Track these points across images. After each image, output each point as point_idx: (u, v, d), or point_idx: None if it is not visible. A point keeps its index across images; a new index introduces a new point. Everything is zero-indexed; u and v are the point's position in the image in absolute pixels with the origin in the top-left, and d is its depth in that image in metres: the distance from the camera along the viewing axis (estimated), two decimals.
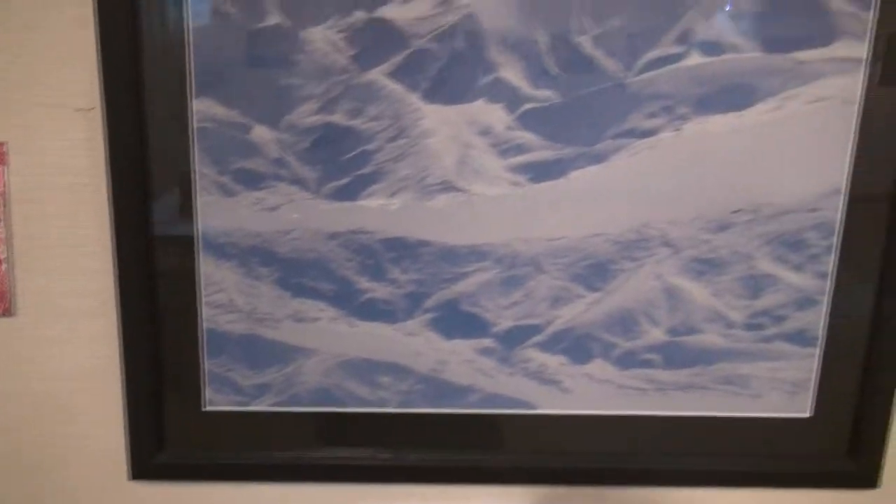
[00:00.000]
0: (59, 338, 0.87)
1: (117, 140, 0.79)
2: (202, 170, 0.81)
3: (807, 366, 0.88)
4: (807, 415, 0.90)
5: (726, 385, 0.89)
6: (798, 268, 0.85)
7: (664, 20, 0.77)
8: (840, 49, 0.78)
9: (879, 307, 0.86)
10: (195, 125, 0.79)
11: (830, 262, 0.85)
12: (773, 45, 0.78)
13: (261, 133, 0.80)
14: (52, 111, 0.80)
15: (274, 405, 0.88)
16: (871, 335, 0.87)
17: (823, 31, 0.78)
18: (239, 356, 0.87)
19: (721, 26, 0.77)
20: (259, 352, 0.87)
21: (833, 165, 0.82)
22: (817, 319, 0.87)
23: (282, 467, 0.89)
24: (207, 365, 0.87)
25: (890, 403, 0.89)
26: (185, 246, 0.83)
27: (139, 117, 0.79)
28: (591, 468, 0.90)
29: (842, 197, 0.83)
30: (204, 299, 0.84)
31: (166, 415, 0.88)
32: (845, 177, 0.82)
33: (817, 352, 0.88)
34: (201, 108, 0.79)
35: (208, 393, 0.88)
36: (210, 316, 0.85)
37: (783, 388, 0.89)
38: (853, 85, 0.79)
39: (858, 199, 0.83)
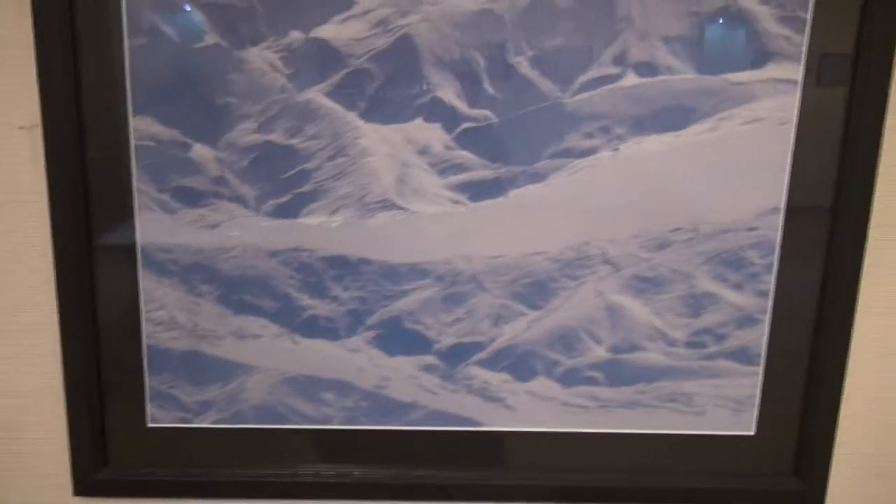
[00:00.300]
0: (2, 355, 0.87)
1: (57, 158, 0.79)
2: (142, 187, 0.81)
3: (750, 383, 0.88)
4: (751, 433, 0.90)
5: (670, 402, 0.89)
6: (738, 286, 0.85)
7: (599, 42, 0.78)
8: (773, 71, 0.79)
9: (820, 326, 0.86)
10: (134, 143, 0.80)
11: (770, 281, 0.85)
12: (707, 66, 0.79)
13: (200, 151, 0.80)
14: None
15: (217, 422, 0.88)
16: (813, 353, 0.87)
17: (757, 54, 0.79)
18: (182, 373, 0.87)
19: (656, 48, 0.78)
20: (202, 368, 0.87)
21: (771, 185, 0.82)
22: (759, 338, 0.87)
23: (225, 484, 0.89)
24: (150, 381, 0.87)
25: (835, 422, 0.89)
26: (127, 263, 0.83)
27: (79, 135, 0.79)
28: (536, 485, 0.90)
29: (780, 216, 0.83)
30: (145, 316, 0.85)
31: (109, 431, 0.88)
32: (783, 196, 0.83)
33: (760, 370, 0.88)
34: (140, 127, 0.79)
35: (151, 409, 0.88)
36: (152, 332, 0.85)
37: (727, 406, 0.89)
38: (788, 106, 0.80)
39: (797, 218, 0.83)
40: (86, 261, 0.82)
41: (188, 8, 0.76)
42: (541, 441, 0.90)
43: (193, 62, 0.78)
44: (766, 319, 0.86)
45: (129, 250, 0.83)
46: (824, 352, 0.86)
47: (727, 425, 0.90)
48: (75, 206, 0.81)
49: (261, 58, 0.78)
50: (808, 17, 0.78)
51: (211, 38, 0.77)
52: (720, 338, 0.87)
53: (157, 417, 0.88)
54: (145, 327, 0.85)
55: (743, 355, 0.87)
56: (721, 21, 0.78)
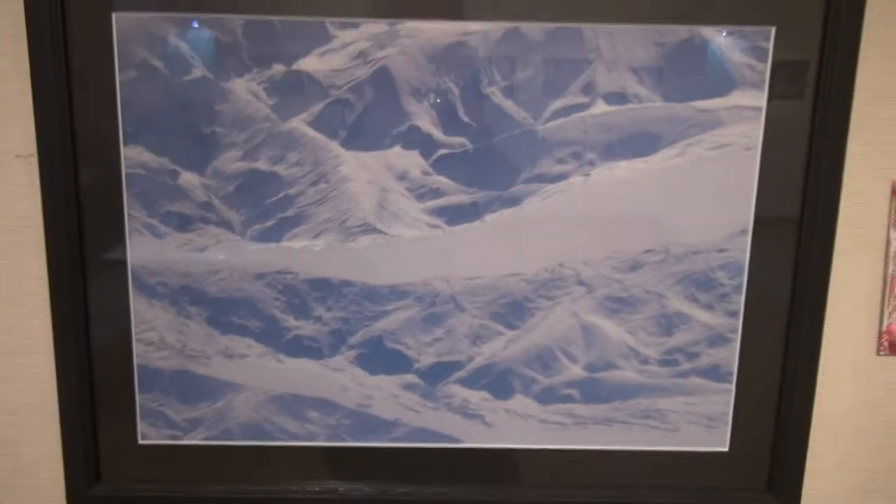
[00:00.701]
0: (0, 375, 0.90)
1: (52, 185, 0.83)
2: (133, 213, 0.85)
3: (722, 401, 0.91)
4: (725, 449, 0.92)
5: (644, 419, 0.91)
6: (709, 306, 0.88)
7: (570, 72, 0.81)
8: (738, 98, 0.82)
9: (789, 343, 0.88)
10: (125, 171, 0.83)
11: (740, 301, 0.88)
12: (674, 94, 0.82)
13: (188, 178, 0.84)
14: None
15: (206, 439, 0.91)
16: (783, 371, 0.89)
17: (721, 82, 0.82)
18: (171, 391, 0.90)
19: (624, 78, 0.81)
20: (191, 387, 0.90)
21: (738, 207, 0.85)
22: (730, 356, 0.89)
23: (214, 500, 0.92)
24: (141, 400, 0.90)
25: (806, 438, 0.91)
26: (118, 285, 0.87)
27: (73, 164, 0.83)
28: (515, 501, 0.92)
29: (748, 237, 0.86)
30: (136, 337, 0.88)
31: (102, 448, 0.91)
32: (751, 218, 0.85)
33: (732, 387, 0.90)
34: (131, 155, 0.83)
35: (142, 427, 0.91)
36: (142, 353, 0.88)
37: (700, 423, 0.91)
38: (753, 132, 0.83)
39: (764, 240, 0.86)
40: (79, 284, 0.86)
41: (196, 25, 0.79)
42: (519, 457, 0.92)
43: (181, 94, 0.82)
44: (737, 338, 0.89)
45: (121, 273, 0.86)
46: (794, 369, 0.89)
47: (701, 442, 0.92)
48: (69, 232, 0.84)
49: (245, 89, 0.82)
50: (770, 46, 0.81)
51: (198, 71, 0.81)
52: (692, 356, 0.89)
53: (148, 435, 0.91)
54: (136, 348, 0.88)
55: (715, 373, 0.90)
56: (686, 51, 0.81)
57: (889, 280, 0.89)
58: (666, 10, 0.80)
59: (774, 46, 0.81)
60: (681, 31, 0.80)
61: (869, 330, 0.91)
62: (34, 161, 0.84)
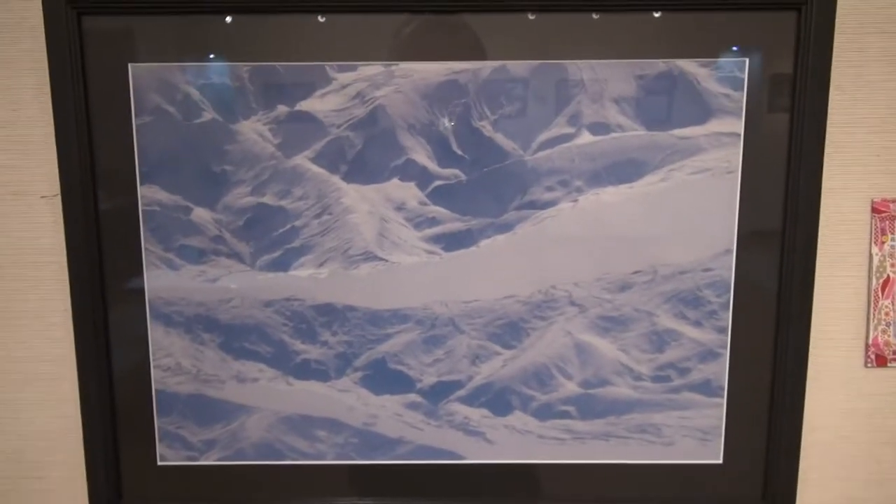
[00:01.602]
0: (27, 400, 0.96)
1: (74, 223, 0.89)
2: (149, 247, 0.90)
3: (715, 414, 0.94)
4: (719, 461, 0.95)
5: (640, 434, 0.95)
6: (698, 323, 0.92)
7: (555, 105, 0.86)
8: (716, 125, 0.86)
9: (778, 356, 0.91)
10: (142, 209, 0.89)
11: (728, 317, 0.91)
12: (655, 123, 0.86)
13: (200, 214, 0.90)
14: (19, 199, 0.91)
15: (221, 459, 0.96)
16: (773, 383, 0.92)
17: (700, 111, 0.86)
18: (188, 414, 0.95)
19: (607, 109, 0.86)
20: (206, 410, 0.95)
21: (721, 228, 0.89)
22: (721, 371, 0.93)
23: None
24: (159, 423, 0.95)
25: (798, 448, 0.94)
26: (137, 315, 0.92)
27: (93, 203, 0.89)
28: None
29: (733, 256, 0.90)
30: (154, 363, 0.93)
31: (123, 469, 0.96)
32: (734, 237, 0.89)
33: (724, 401, 0.93)
34: (147, 194, 0.89)
35: (161, 449, 0.96)
36: (160, 378, 0.94)
37: (694, 436, 0.95)
38: (732, 156, 0.87)
39: (748, 257, 0.90)
40: (100, 314, 0.91)
41: (205, 73, 0.85)
42: (520, 472, 0.96)
43: (193, 136, 0.87)
44: (727, 353, 0.92)
45: (139, 303, 0.92)
46: (783, 381, 0.92)
47: (695, 454, 0.95)
48: (91, 265, 0.90)
49: (252, 130, 0.87)
50: (745, 76, 0.85)
51: (207, 115, 0.87)
52: (684, 372, 0.93)
53: (167, 456, 0.96)
54: (154, 373, 0.94)
55: (706, 388, 0.93)
56: (665, 83, 0.85)
57: (873, 294, 0.92)
58: (644, 46, 0.84)
59: (749, 75, 0.85)
60: (659, 65, 0.85)
61: (855, 343, 0.94)
62: (58, 201, 0.90)
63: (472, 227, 0.89)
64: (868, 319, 0.93)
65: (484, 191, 0.88)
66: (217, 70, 0.86)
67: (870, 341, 0.93)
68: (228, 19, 0.85)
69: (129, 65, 0.86)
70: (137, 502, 0.97)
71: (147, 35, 0.86)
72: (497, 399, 0.94)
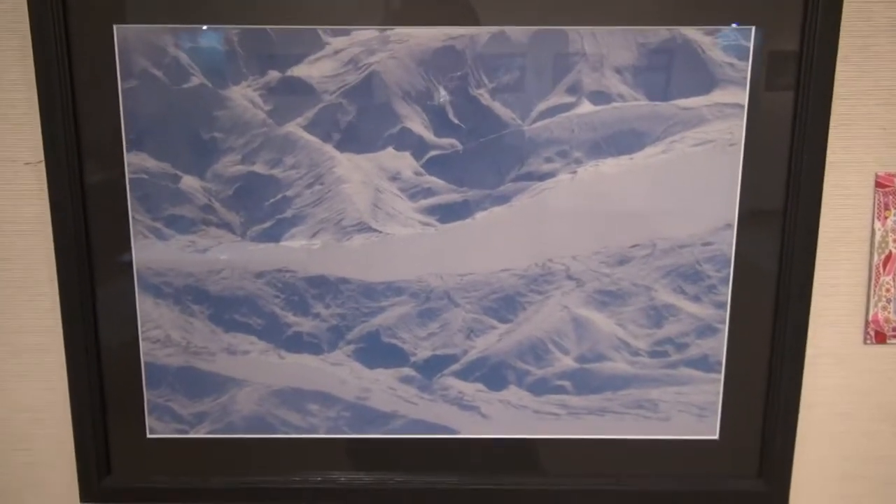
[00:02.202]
0: (13, 372, 0.94)
1: (59, 191, 0.86)
2: (137, 216, 0.88)
3: (712, 390, 0.93)
4: (715, 437, 0.94)
5: (636, 409, 0.94)
6: (696, 298, 0.90)
7: (555, 73, 0.84)
8: (720, 96, 0.84)
9: (776, 333, 0.90)
10: (129, 176, 0.87)
11: (727, 293, 0.90)
12: (657, 93, 0.84)
13: (189, 182, 0.87)
14: (3, 165, 0.88)
15: (211, 432, 0.95)
16: (771, 360, 0.91)
17: (703, 80, 0.84)
18: (178, 387, 0.93)
19: (608, 78, 0.84)
20: (196, 383, 0.93)
21: (723, 202, 0.87)
22: (719, 346, 0.92)
23: (219, 490, 0.95)
24: (148, 396, 0.93)
25: (794, 424, 0.93)
26: (125, 286, 0.90)
27: (79, 170, 0.86)
28: (510, 490, 0.95)
29: (733, 231, 0.88)
30: (143, 335, 0.91)
31: (112, 442, 0.95)
32: (735, 212, 0.88)
33: (721, 377, 0.92)
34: (134, 161, 0.86)
35: (150, 422, 0.94)
36: (149, 350, 0.92)
37: (691, 412, 0.94)
38: (735, 128, 0.85)
39: (749, 232, 0.88)
40: (87, 285, 0.89)
41: (193, 35, 0.82)
42: (515, 447, 0.95)
43: (181, 101, 0.85)
44: (725, 329, 0.91)
45: (127, 275, 0.90)
46: (781, 358, 0.91)
47: (692, 430, 0.94)
48: (77, 235, 0.88)
49: (242, 96, 0.85)
50: (751, 45, 0.83)
51: (196, 79, 0.84)
52: (681, 347, 0.92)
53: (156, 429, 0.95)
54: (143, 345, 0.92)
55: (704, 363, 0.92)
56: (668, 51, 0.83)
57: (874, 270, 0.91)
58: (648, 12, 0.82)
59: (755, 45, 0.83)
60: (662, 32, 0.82)
61: (855, 319, 0.93)
62: (42, 167, 0.87)
63: (469, 198, 0.87)
64: (868, 296, 0.92)
65: (481, 161, 0.86)
66: (206, 33, 0.83)
67: (870, 318, 0.92)
68: None
69: (115, 26, 0.83)
70: (127, 475, 0.95)
71: None
72: (492, 373, 0.93)
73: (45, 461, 0.97)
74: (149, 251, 0.89)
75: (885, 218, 0.90)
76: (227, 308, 0.91)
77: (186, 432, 0.95)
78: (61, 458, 0.96)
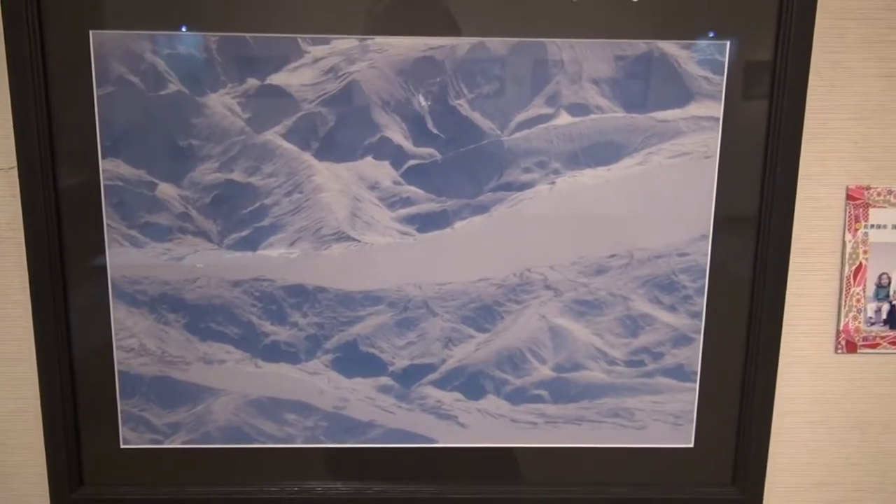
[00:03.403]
0: None
1: (32, 197, 0.85)
2: (112, 224, 0.87)
3: (687, 399, 0.94)
4: (690, 445, 0.95)
5: (613, 418, 0.94)
6: (672, 308, 0.91)
7: (534, 85, 0.84)
8: (696, 109, 0.85)
9: (750, 342, 0.92)
10: (104, 183, 0.86)
11: (702, 303, 0.91)
12: (635, 106, 0.85)
13: (165, 190, 0.86)
14: None
15: (186, 442, 0.94)
16: (745, 369, 0.93)
17: (679, 94, 0.85)
18: (152, 397, 0.92)
19: (586, 90, 0.84)
20: (171, 392, 0.92)
21: (698, 213, 0.88)
22: (694, 355, 0.93)
23: (194, 501, 0.94)
24: (122, 405, 0.92)
25: (768, 433, 0.94)
26: (99, 294, 0.89)
27: (52, 176, 0.85)
28: (488, 498, 0.95)
29: (708, 242, 0.89)
30: (117, 344, 0.90)
31: (84, 453, 0.93)
32: (710, 223, 0.89)
33: (696, 386, 0.93)
34: (109, 168, 0.85)
35: (124, 432, 0.93)
36: (123, 359, 0.91)
37: (666, 421, 0.95)
38: (711, 141, 0.86)
39: (723, 243, 0.89)
40: (60, 293, 0.88)
41: (171, 42, 0.82)
42: (493, 456, 0.95)
43: (158, 108, 0.84)
44: (700, 338, 0.92)
45: (101, 282, 0.88)
46: (755, 367, 0.92)
47: (667, 439, 0.95)
48: (50, 242, 0.86)
49: (220, 103, 0.84)
50: (726, 59, 0.84)
51: (173, 86, 0.84)
52: (657, 356, 0.92)
53: (130, 439, 0.93)
54: (117, 354, 0.91)
55: (679, 372, 0.93)
56: (645, 64, 0.84)
57: (845, 281, 0.93)
58: (625, 26, 0.83)
59: (730, 59, 0.84)
60: (640, 46, 0.83)
61: (827, 329, 0.94)
62: (15, 173, 0.86)
63: (448, 207, 0.88)
64: (840, 306, 0.93)
65: (460, 171, 0.87)
66: (184, 40, 0.82)
67: (841, 327, 0.94)
68: None
69: (91, 31, 0.82)
70: (99, 487, 0.94)
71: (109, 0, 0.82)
72: (470, 383, 0.93)
73: (14, 472, 0.95)
74: (124, 258, 0.88)
75: (856, 230, 0.91)
76: (203, 317, 0.90)
77: (161, 442, 0.94)
78: (32, 470, 0.94)
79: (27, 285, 0.88)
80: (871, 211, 0.91)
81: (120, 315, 0.90)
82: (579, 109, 0.85)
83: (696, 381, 0.93)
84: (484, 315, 0.91)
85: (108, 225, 0.87)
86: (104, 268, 0.88)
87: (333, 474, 0.95)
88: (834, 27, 0.86)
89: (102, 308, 0.89)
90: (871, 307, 0.93)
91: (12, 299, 0.90)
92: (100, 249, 0.88)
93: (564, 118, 0.85)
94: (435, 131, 0.85)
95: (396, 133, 0.85)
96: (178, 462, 0.94)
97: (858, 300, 0.93)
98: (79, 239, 0.87)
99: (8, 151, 0.86)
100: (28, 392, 0.92)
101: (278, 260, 0.88)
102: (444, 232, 0.88)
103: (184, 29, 0.82)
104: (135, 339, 0.90)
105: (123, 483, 0.94)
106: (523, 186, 0.87)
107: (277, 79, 0.83)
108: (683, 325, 0.92)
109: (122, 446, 0.93)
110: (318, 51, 0.83)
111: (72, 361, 0.90)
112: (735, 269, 0.90)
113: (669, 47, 0.84)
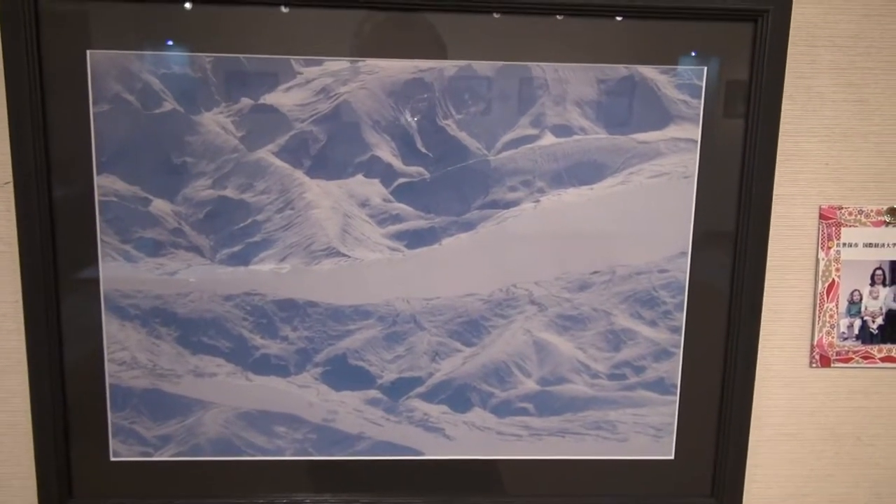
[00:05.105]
0: None
1: (27, 212, 0.86)
2: (106, 239, 0.89)
3: (668, 412, 0.97)
4: (671, 457, 0.98)
5: (595, 430, 0.97)
6: (653, 323, 0.94)
7: (519, 106, 0.87)
8: (675, 131, 0.89)
9: (728, 357, 0.94)
10: (99, 199, 0.87)
11: (682, 318, 0.94)
12: (616, 127, 0.88)
13: (159, 205, 0.88)
14: None
15: (176, 455, 0.95)
16: (724, 382, 0.95)
17: (659, 116, 0.88)
18: (142, 409, 0.93)
19: (569, 112, 0.87)
20: (161, 405, 0.93)
21: (677, 231, 0.92)
22: (674, 369, 0.95)
23: None
24: (113, 418, 0.93)
25: (746, 445, 0.97)
26: (91, 307, 0.90)
27: (48, 192, 0.86)
28: None
29: (688, 259, 0.92)
30: (108, 357, 0.91)
31: (74, 465, 0.94)
32: (689, 241, 0.92)
33: (676, 399, 0.96)
34: (104, 184, 0.87)
35: (114, 444, 0.94)
36: (114, 372, 0.92)
37: (647, 433, 0.97)
38: (689, 161, 0.90)
39: (702, 260, 0.92)
40: (53, 306, 0.89)
41: (166, 62, 0.84)
42: (479, 468, 0.97)
43: (153, 126, 0.86)
44: (680, 352, 0.95)
45: (94, 296, 0.90)
46: (733, 380, 0.95)
47: (648, 451, 0.97)
48: (44, 256, 0.87)
49: (214, 122, 0.86)
50: (703, 84, 0.88)
51: (168, 105, 0.86)
52: (639, 370, 0.95)
53: (120, 452, 0.94)
54: (108, 367, 0.92)
55: (660, 386, 0.96)
56: (627, 88, 0.87)
57: (818, 297, 0.96)
58: (607, 50, 0.86)
59: (707, 84, 0.88)
60: (621, 70, 0.87)
61: (801, 343, 0.97)
62: (10, 188, 0.87)
63: (436, 224, 0.90)
64: (814, 321, 0.97)
65: (448, 189, 0.89)
66: (179, 60, 0.85)
67: (815, 342, 0.97)
68: (188, 6, 0.83)
69: (88, 51, 0.84)
70: (89, 499, 0.95)
71: (106, 20, 0.84)
72: (457, 396, 0.95)
73: (5, 485, 0.95)
74: (116, 272, 0.89)
75: (829, 248, 0.95)
76: (194, 330, 0.92)
77: (151, 455, 0.95)
78: (21, 482, 0.95)
79: (20, 299, 0.89)
80: (843, 230, 0.95)
81: (112, 328, 0.91)
82: (563, 130, 0.88)
83: (676, 395, 0.96)
84: (470, 329, 0.93)
85: (101, 240, 0.89)
86: (97, 281, 0.90)
87: (322, 486, 0.96)
88: (806, 53, 0.90)
89: (94, 321, 0.90)
90: (844, 323, 0.97)
91: (4, 312, 0.91)
92: (93, 263, 0.89)
93: (549, 139, 0.88)
94: (424, 150, 0.88)
95: (386, 152, 0.88)
96: (168, 475, 0.95)
97: (832, 316, 0.97)
98: (72, 253, 0.89)
99: (4, 166, 0.87)
100: (19, 404, 0.93)
101: (269, 275, 0.90)
102: (432, 248, 0.91)
103: (179, 50, 0.84)
104: (126, 353, 0.92)
105: (113, 495, 0.95)
106: (509, 204, 0.90)
107: (271, 98, 0.86)
108: (664, 340, 0.94)
109: (112, 459, 0.94)
110: (310, 72, 0.85)
111: (63, 374, 0.91)
112: (713, 286, 0.93)
113: (649, 72, 0.87)
